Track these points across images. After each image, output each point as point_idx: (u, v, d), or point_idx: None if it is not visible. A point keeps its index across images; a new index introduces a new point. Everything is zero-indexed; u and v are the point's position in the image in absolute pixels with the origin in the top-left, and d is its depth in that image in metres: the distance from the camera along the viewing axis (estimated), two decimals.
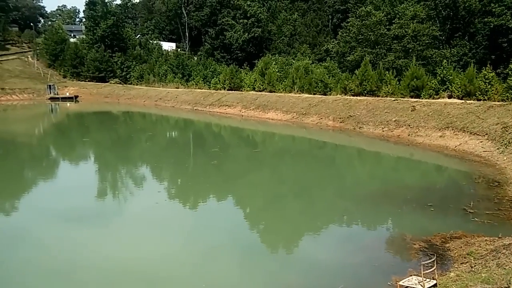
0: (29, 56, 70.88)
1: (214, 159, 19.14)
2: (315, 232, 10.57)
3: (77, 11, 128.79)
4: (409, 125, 22.93)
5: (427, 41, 42.07)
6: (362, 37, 48.44)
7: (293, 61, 47.61)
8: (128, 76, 65.48)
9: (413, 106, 24.43)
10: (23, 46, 76.59)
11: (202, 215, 11.80)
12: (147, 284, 7.73)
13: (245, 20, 69.37)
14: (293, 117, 31.34)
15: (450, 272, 7.36)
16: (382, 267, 8.16)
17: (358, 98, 29.39)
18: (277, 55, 54.37)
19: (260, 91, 40.23)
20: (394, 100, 26.66)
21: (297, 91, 36.44)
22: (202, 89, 49.05)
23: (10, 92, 57.81)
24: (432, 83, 27.61)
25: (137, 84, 61.76)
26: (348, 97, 30.55)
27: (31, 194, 14.27)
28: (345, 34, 52.86)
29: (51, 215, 11.59)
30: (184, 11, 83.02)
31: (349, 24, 52.84)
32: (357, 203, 12.57)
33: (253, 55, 67.65)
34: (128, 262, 8.51)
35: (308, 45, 58.67)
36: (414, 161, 19.54)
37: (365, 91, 30.36)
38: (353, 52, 48.68)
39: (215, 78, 49.44)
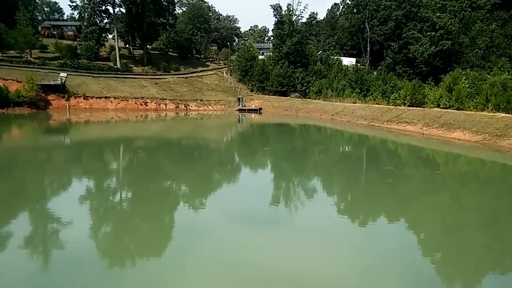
0: (224, 72, 79.99)
1: (389, 178, 18.30)
2: (502, 270, 9.08)
3: (266, 30, 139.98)
4: None
5: None
6: None
7: (488, 76, 42.44)
8: (307, 91, 68.07)
9: None
10: (220, 63, 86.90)
11: (373, 234, 11.34)
12: None
13: (433, 33, 65.15)
14: (484, 138, 27.84)
15: None
16: None
17: None
18: (468, 69, 49.32)
19: (446, 108, 37.02)
20: None
21: (491, 109, 32.32)
22: (380, 104, 47.71)
23: (207, 103, 66.30)
24: None
25: (315, 98, 63.67)
26: None
27: (216, 193, 15.95)
28: None
29: (229, 214, 12.72)
30: (367, 26, 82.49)
31: None
32: None
33: (439, 69, 62.94)
34: (293, 269, 8.72)
35: (507, 59, 51.55)
36: None
37: None
38: None
39: (395, 93, 47.53)
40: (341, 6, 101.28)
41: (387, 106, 45.16)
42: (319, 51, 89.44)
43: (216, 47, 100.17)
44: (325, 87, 63.20)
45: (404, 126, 36.79)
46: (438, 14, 64.69)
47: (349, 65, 74.51)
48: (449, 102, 37.36)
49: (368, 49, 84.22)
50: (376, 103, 48.77)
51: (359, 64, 78.75)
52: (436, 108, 38.06)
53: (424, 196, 16.06)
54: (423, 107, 40.29)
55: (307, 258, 9.34)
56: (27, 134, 35.45)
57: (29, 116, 47.52)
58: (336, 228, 11.55)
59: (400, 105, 43.84)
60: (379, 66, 77.42)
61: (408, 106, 42.42)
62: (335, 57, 79.83)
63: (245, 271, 8.57)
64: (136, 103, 61.47)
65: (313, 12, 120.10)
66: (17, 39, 61.48)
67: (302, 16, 77.40)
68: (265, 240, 10.42)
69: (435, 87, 45.12)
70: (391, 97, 47.56)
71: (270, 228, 11.53)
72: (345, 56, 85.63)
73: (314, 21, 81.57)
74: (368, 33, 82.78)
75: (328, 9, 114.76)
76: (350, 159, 25.88)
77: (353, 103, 52.53)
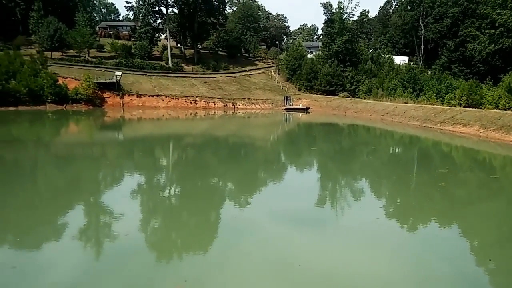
0: (272, 71, 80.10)
1: (441, 181, 17.58)
2: None
3: (316, 29, 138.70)
4: None
5: None
6: None
7: None
8: (356, 90, 66.80)
9: None
10: (268, 62, 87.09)
11: (423, 240, 10.91)
12: None
13: (492, 30, 61.93)
14: None
15: None
16: None
17: None
18: None
19: (505, 109, 35.10)
20: None
21: None
22: (433, 105, 45.98)
23: (254, 102, 66.74)
24: None
25: (364, 98, 62.35)
26: None
27: (261, 192, 16.01)
28: None
29: (275, 213, 12.72)
30: (421, 24, 79.73)
31: None
32: None
33: (499, 68, 59.81)
34: (337, 271, 8.59)
35: None
36: None
37: None
38: None
39: (450, 93, 45.65)
40: (394, 3, 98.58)
41: (441, 107, 43.40)
42: (370, 49, 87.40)
43: (264, 46, 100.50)
44: (376, 87, 61.70)
45: (459, 128, 35.20)
46: (498, 11, 61.27)
47: (401, 64, 72.25)
48: (508, 103, 35.41)
49: (422, 47, 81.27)
50: (430, 104, 46.99)
51: (412, 63, 76.17)
52: (495, 110, 36.13)
53: (479, 201, 15.30)
54: (480, 108, 38.40)
55: (353, 261, 9.17)
56: (84, 130, 37.30)
57: (86, 112, 49.93)
58: (384, 231, 11.25)
59: (455, 106, 42.03)
60: (433, 65, 74.63)
61: (464, 107, 40.58)
62: (387, 56, 77.71)
63: (289, 271, 8.54)
64: (186, 101, 62.98)
65: (365, 10, 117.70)
66: (76, 39, 64.71)
67: (353, 14, 76.06)
68: (310, 241, 10.33)
69: (494, 87, 42.89)
70: (445, 97, 45.70)
71: (315, 229, 11.42)
72: (397, 55, 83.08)
73: (365, 19, 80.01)
74: (422, 30, 79.89)
75: (380, 7, 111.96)
76: (400, 161, 25.12)
77: (405, 103, 50.90)
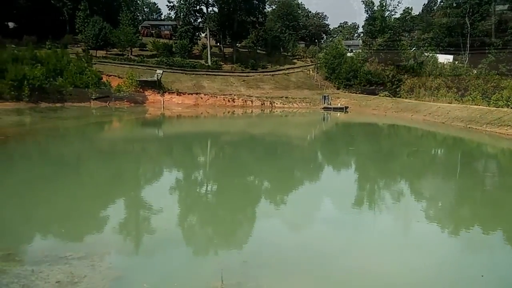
0: (310, 69, 79.33)
1: (486, 185, 16.90)
2: None
3: (356, 27, 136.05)
4: None
5: None
6: None
7: None
8: (397, 89, 65.09)
9: None
10: (307, 60, 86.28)
11: (466, 245, 10.54)
12: None
13: None
14: None
15: None
16: None
17: None
18: None
19: None
20: None
21: None
22: (479, 105, 44.12)
23: (292, 100, 66.37)
24: None
25: (406, 98, 60.66)
26: None
27: (297, 191, 15.96)
28: None
29: (311, 213, 12.65)
30: (467, 21, 76.61)
31: None
32: None
33: None
34: (374, 274, 8.43)
35: None
36: None
37: None
38: None
39: (497, 94, 43.69)
40: (438, 0, 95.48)
41: (488, 108, 41.60)
42: (413, 47, 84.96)
43: (303, 45, 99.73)
44: (418, 86, 59.99)
45: (507, 130, 33.61)
46: None
47: (445, 63, 69.79)
48: None
49: (468, 45, 78.20)
50: (475, 104, 45.17)
51: (456, 62, 73.46)
52: None
53: None
54: None
55: (392, 263, 8.97)
56: (126, 127, 38.45)
57: (128, 109, 51.39)
58: (425, 235, 10.94)
59: (502, 107, 40.20)
60: (480, 64, 71.66)
61: None
62: (430, 54, 75.25)
63: (325, 271, 8.47)
64: (224, 99, 63.51)
65: (408, 7, 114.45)
66: (119, 38, 66.58)
67: (395, 12, 74.05)
68: (348, 242, 10.21)
69: None
70: (492, 98, 43.81)
71: (352, 230, 11.27)
72: (441, 53, 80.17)
73: (408, 17, 77.69)
74: (469, 28, 76.87)
75: (424, 4, 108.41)
76: (442, 163, 24.32)
77: (449, 103, 49.14)
